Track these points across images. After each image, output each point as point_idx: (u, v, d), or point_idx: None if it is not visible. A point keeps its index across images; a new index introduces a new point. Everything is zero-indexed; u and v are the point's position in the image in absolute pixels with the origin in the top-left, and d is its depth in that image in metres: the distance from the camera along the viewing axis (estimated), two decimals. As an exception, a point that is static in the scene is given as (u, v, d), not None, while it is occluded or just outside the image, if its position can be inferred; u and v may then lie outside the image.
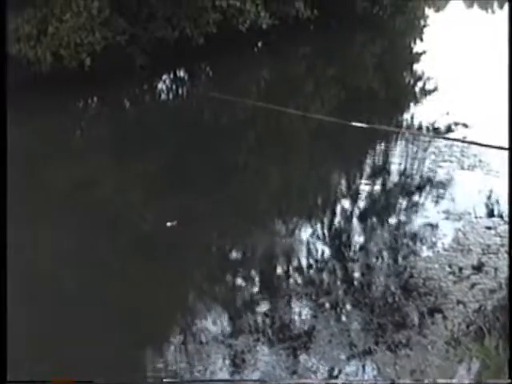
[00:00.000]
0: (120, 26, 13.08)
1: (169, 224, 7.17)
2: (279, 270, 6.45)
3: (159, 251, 6.78)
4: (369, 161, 9.47)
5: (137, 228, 7.33)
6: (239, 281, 6.34)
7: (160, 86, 14.79)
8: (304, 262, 6.53)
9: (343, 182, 8.96)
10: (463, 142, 9.39)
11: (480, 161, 8.88)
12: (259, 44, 17.89)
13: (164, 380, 4.95)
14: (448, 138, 9.48)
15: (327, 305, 5.77)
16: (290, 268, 6.45)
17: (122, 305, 5.86)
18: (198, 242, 7.04)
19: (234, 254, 7.08)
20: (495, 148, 8.17)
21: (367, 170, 9.07)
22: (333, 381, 4.85)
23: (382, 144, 10.00)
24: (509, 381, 3.84)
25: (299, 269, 6.41)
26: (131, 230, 7.29)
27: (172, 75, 15.39)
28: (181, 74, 15.82)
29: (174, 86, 15.13)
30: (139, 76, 13.55)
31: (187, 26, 14.11)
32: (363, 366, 4.97)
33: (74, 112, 12.43)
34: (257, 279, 6.32)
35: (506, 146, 5.97)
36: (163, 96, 14.41)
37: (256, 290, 6.10)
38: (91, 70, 12.26)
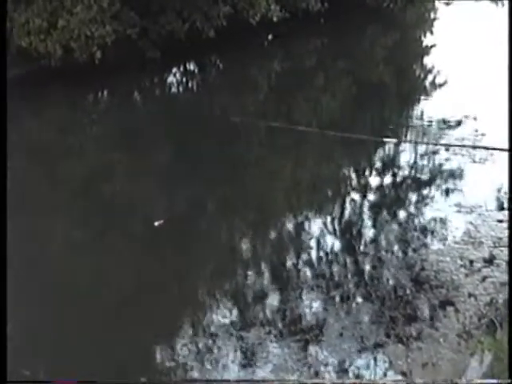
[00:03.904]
0: (131, 19, 13.06)
1: (156, 224, 7.10)
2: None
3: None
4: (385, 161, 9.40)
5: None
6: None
7: (170, 78, 14.78)
8: (314, 255, 6.55)
9: (353, 176, 8.97)
10: (467, 147, 9.30)
11: (491, 154, 8.85)
12: (269, 37, 17.83)
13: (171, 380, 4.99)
14: (457, 145, 9.39)
15: (338, 298, 5.79)
16: (301, 262, 6.48)
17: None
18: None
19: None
20: (497, 150, 8.21)
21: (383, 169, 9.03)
22: (339, 380, 4.86)
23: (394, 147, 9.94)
24: (509, 381, 3.85)
25: (311, 263, 6.43)
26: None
27: (182, 68, 15.37)
28: (191, 67, 15.80)
29: (183, 79, 15.13)
30: (149, 69, 13.53)
31: (198, 19, 14.08)
32: (375, 359, 4.98)
33: (82, 104, 12.42)
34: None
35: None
36: (173, 89, 14.42)
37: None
38: (101, 63, 12.25)
